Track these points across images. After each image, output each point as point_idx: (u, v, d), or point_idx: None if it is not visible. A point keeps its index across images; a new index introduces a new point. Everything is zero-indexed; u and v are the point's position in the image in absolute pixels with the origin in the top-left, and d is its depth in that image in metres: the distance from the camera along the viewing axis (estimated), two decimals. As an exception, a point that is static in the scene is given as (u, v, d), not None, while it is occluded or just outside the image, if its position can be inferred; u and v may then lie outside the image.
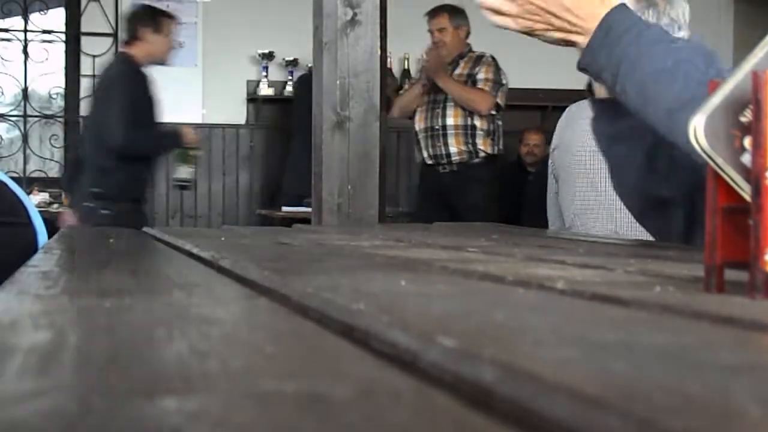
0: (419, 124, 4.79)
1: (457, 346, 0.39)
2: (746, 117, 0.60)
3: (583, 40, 1.27)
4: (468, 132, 4.71)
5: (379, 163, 2.44)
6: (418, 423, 0.30)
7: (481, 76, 4.70)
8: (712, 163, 0.60)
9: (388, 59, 5.11)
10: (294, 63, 6.27)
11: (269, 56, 6.24)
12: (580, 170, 2.56)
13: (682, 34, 2.39)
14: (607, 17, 1.25)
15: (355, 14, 2.40)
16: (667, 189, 1.42)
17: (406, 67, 6.38)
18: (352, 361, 0.41)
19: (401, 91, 5.50)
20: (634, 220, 1.59)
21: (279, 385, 0.34)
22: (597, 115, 1.43)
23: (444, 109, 4.72)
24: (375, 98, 2.43)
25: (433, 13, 4.86)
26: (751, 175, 0.58)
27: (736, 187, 0.60)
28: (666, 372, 0.35)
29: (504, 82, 4.73)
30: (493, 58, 4.74)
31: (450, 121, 4.72)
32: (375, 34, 2.43)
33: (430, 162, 4.78)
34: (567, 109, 2.72)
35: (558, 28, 1.28)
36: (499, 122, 4.79)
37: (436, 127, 4.72)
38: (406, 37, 5.81)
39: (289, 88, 6.34)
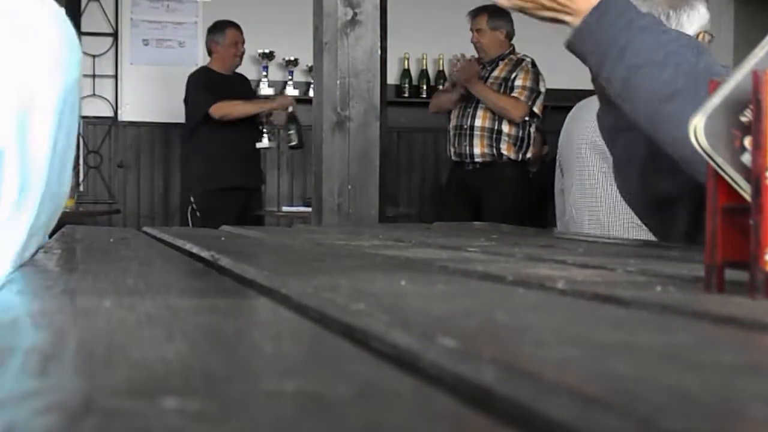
0: (451, 121, 4.83)
1: (457, 346, 0.39)
2: (746, 117, 0.60)
3: (572, 20, 1.28)
4: (493, 136, 4.72)
5: (379, 163, 2.44)
6: (418, 423, 0.30)
7: (518, 83, 4.69)
8: (712, 163, 0.60)
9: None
10: (294, 63, 6.27)
11: (269, 56, 6.25)
12: (580, 163, 2.57)
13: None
14: (600, 3, 1.26)
15: (355, 14, 2.40)
16: (670, 186, 1.42)
17: (406, 66, 6.39)
18: (352, 361, 0.41)
19: (440, 88, 5.54)
20: (627, 215, 1.58)
21: (279, 385, 0.34)
22: (603, 106, 1.44)
23: (475, 109, 4.73)
24: (375, 98, 2.43)
25: (474, 13, 4.85)
26: (751, 175, 0.58)
27: (736, 187, 0.60)
28: (666, 372, 0.35)
29: (542, 89, 4.72)
30: (533, 64, 4.72)
31: (478, 122, 4.72)
32: (375, 34, 2.43)
33: (456, 159, 4.81)
34: (576, 105, 2.73)
35: (548, 7, 1.29)
36: (532, 129, 4.78)
37: (465, 126, 4.73)
38: (406, 37, 5.82)
39: (289, 88, 6.34)
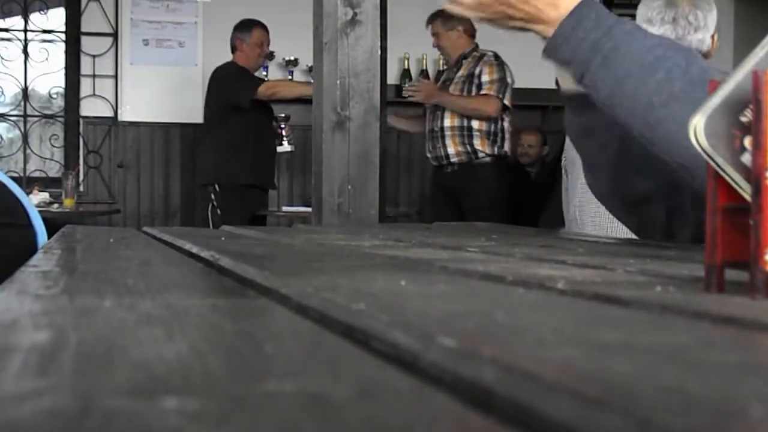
0: (426, 127, 4.86)
1: (457, 346, 0.39)
2: (746, 117, 0.60)
3: (542, 29, 1.26)
4: (464, 133, 4.74)
5: (379, 163, 2.44)
6: (418, 423, 0.30)
7: (485, 78, 4.72)
8: (712, 163, 0.60)
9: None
10: (294, 63, 6.28)
11: (269, 56, 6.24)
12: None
13: (700, 36, 2.40)
14: (575, 10, 1.23)
15: (355, 14, 2.40)
16: (644, 186, 1.41)
17: (406, 66, 6.38)
18: (352, 361, 0.41)
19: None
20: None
21: (279, 385, 0.34)
22: (569, 109, 1.43)
23: (443, 111, 4.77)
24: (375, 98, 2.43)
25: (429, 20, 4.91)
26: (751, 175, 0.58)
27: (736, 187, 0.60)
28: (666, 372, 0.35)
29: (509, 81, 4.74)
30: (496, 57, 4.75)
31: (447, 122, 4.75)
32: (375, 34, 2.43)
33: (435, 163, 4.84)
34: None
35: (516, 18, 1.27)
36: (505, 123, 4.79)
37: (436, 129, 4.77)
38: (406, 37, 5.82)
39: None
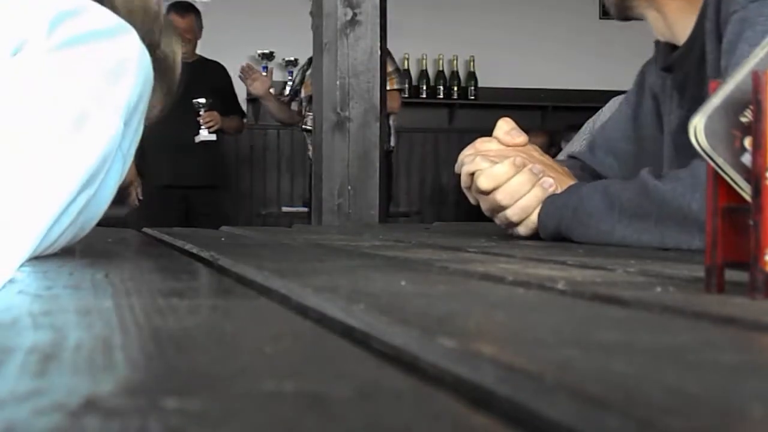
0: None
1: (457, 346, 0.39)
2: (746, 117, 0.60)
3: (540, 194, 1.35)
4: None
5: (379, 163, 2.44)
6: (418, 423, 0.30)
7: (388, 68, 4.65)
8: (712, 163, 0.60)
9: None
10: (294, 63, 6.28)
11: (269, 56, 6.25)
12: None
13: None
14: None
15: (355, 14, 2.41)
16: None
17: (405, 67, 6.39)
18: (352, 361, 0.41)
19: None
20: None
21: (279, 385, 0.34)
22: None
23: None
24: (375, 98, 2.44)
25: None
26: (751, 175, 0.58)
27: (736, 187, 0.60)
28: (666, 372, 0.35)
29: (401, 68, 4.64)
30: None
31: None
32: (375, 34, 2.43)
33: None
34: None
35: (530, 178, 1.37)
36: (390, 119, 4.69)
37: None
38: (406, 37, 5.83)
39: (288, 89, 6.33)
